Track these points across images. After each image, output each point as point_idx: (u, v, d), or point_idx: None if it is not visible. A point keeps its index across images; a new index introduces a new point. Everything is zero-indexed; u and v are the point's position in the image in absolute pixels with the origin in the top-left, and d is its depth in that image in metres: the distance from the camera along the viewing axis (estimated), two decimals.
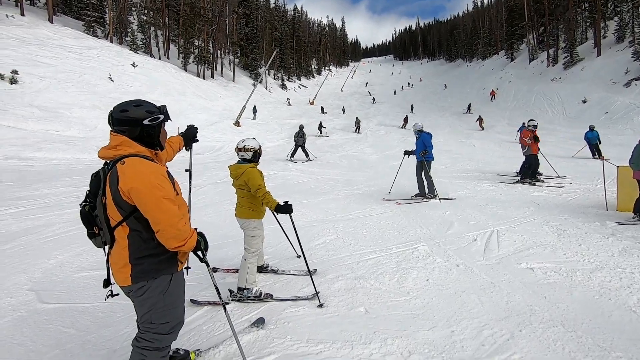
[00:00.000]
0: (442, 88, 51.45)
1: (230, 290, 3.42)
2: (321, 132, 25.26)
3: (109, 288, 1.89)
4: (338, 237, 5.16)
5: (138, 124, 1.77)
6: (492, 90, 37.63)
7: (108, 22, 32.57)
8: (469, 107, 34.17)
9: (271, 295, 3.38)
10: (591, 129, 14.18)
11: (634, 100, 22.60)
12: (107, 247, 1.87)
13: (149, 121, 1.79)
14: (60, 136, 14.61)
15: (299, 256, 4.36)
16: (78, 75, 20.97)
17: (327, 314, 3.07)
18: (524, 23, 45.93)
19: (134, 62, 26.90)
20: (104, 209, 1.74)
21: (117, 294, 1.92)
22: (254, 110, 30.15)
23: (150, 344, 1.84)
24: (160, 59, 35.59)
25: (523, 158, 9.16)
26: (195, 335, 2.79)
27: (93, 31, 30.39)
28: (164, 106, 1.92)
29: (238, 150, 3.42)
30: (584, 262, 3.99)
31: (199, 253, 1.97)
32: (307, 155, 15.20)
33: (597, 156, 13.36)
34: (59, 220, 5.75)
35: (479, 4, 76.77)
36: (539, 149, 9.10)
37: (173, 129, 1.95)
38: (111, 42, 30.82)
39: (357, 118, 27.81)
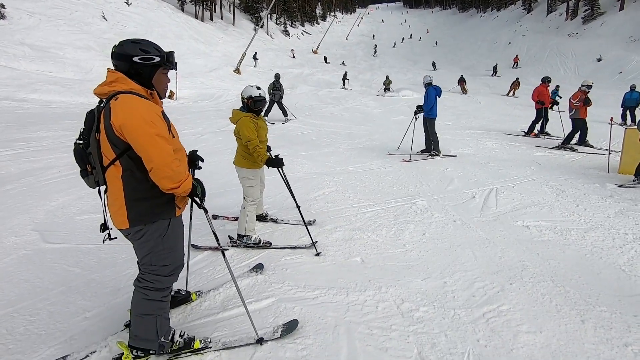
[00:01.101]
0: (454, 38, 49.12)
1: (230, 237, 3.50)
2: (345, 85, 23.91)
3: (107, 232, 1.91)
4: (337, 189, 5.18)
5: (128, 59, 1.70)
6: (516, 57, 32.86)
7: None
8: (495, 69, 29.53)
9: (270, 243, 3.45)
10: (632, 89, 12.04)
11: None
12: (102, 189, 1.86)
13: (139, 59, 1.70)
14: (54, 78, 14.13)
15: (298, 206, 4.40)
16: (69, 12, 19.84)
17: (324, 263, 3.16)
18: None
19: (127, 0, 25.30)
20: (97, 146, 1.71)
21: (115, 237, 1.94)
22: (255, 58, 28.97)
23: (151, 284, 1.89)
24: None
25: (530, 116, 8.97)
26: (197, 278, 2.89)
27: None
28: (171, 52, 1.81)
29: (241, 97, 3.37)
30: (579, 221, 4.04)
31: (196, 199, 1.96)
32: (285, 113, 11.80)
33: (627, 122, 11.62)
34: (57, 164, 5.73)
35: None
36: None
37: (171, 74, 1.82)
38: None
39: (387, 77, 22.76)
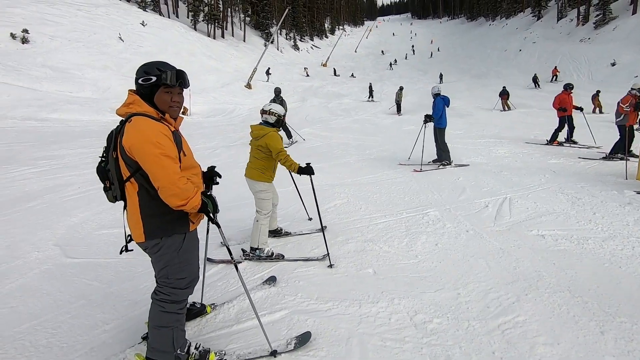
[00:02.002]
0: (446, 50, 49.19)
1: (243, 250, 3.56)
2: (372, 97, 23.12)
3: (125, 244, 1.99)
4: (349, 201, 5.20)
5: (136, 82, 1.82)
6: (554, 68, 27.97)
7: None
8: (536, 81, 25.48)
9: (282, 256, 3.50)
10: None
11: None
12: (122, 204, 1.95)
13: (142, 80, 1.79)
14: (74, 97, 14.70)
15: (310, 219, 4.44)
16: (88, 34, 20.70)
17: (336, 274, 3.17)
18: None
19: (143, 21, 26.30)
20: (115, 164, 1.80)
21: (132, 250, 2.01)
22: (268, 73, 29.51)
23: (168, 297, 1.95)
24: (169, 17, 34.64)
25: (542, 124, 8.84)
26: (211, 291, 2.94)
27: None
28: (180, 71, 1.84)
29: (263, 112, 3.54)
30: (596, 230, 3.95)
31: (208, 214, 2.00)
32: (289, 135, 10.19)
33: None
34: (78, 180, 5.93)
35: None
36: (638, 121, 7.33)
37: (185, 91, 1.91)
38: None
39: (400, 89, 19.09)
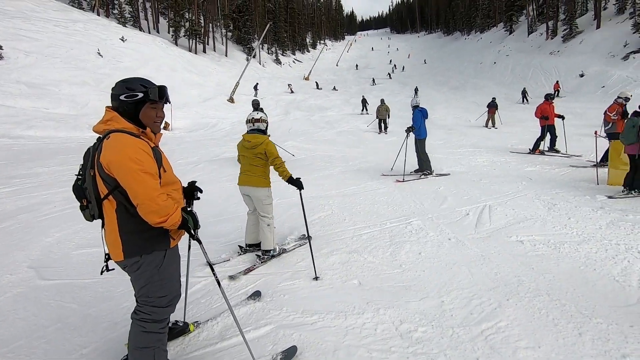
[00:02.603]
0: (422, 63, 50.74)
1: (257, 255, 3.74)
2: (366, 110, 22.51)
3: (105, 263, 1.94)
4: (333, 212, 5.22)
5: (115, 99, 1.80)
6: (556, 83, 25.76)
7: None
8: (525, 95, 24.20)
9: (284, 249, 3.88)
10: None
11: (631, 73, 22.47)
12: (100, 222, 1.90)
13: (124, 97, 1.78)
14: (50, 114, 14.33)
15: (309, 237, 4.34)
16: (65, 50, 20.34)
17: (321, 287, 3.16)
18: None
19: (122, 37, 26.07)
20: (93, 182, 1.77)
21: (113, 269, 1.96)
22: (255, 88, 29.47)
23: (149, 316, 1.90)
24: (149, 32, 34.50)
25: (517, 132, 9.14)
26: (194, 308, 2.87)
27: (78, 3, 29.26)
28: (162, 87, 1.86)
29: (254, 121, 3.66)
30: (572, 234, 4.09)
31: (189, 231, 1.98)
32: None
33: None
34: (54, 199, 5.75)
35: None
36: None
37: (166, 107, 1.91)
38: (98, 14, 29.76)
39: (382, 102, 16.73)
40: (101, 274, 1.96)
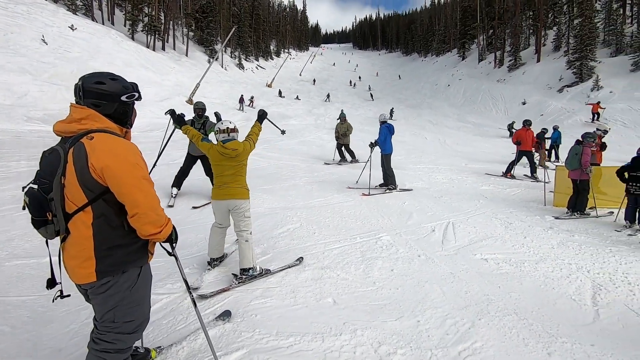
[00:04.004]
0: (397, 79, 53.08)
1: (234, 274, 3.41)
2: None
3: (57, 288, 1.65)
4: (302, 225, 5.09)
5: (116, 99, 1.59)
6: (597, 104, 20.93)
7: None
8: (511, 128, 20.88)
9: (269, 270, 3.55)
10: (555, 129, 14.09)
11: (565, 105, 25.00)
12: (50, 240, 1.63)
13: (126, 98, 1.61)
14: None
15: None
16: (2, 33, 18.35)
17: (295, 305, 3.02)
18: (475, 24, 48.30)
19: (72, 25, 24.12)
20: (61, 192, 1.50)
21: (69, 295, 1.69)
22: (241, 101, 26.76)
23: (112, 345, 1.64)
24: (103, 24, 32.32)
25: (469, 152, 9.57)
26: (155, 331, 2.59)
27: None
28: (135, 84, 1.73)
29: (230, 131, 3.50)
30: (529, 253, 4.33)
31: (167, 245, 1.80)
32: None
33: (552, 159, 12.97)
34: None
35: (435, 1, 79.04)
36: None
37: None
38: None
39: (341, 112, 12.98)
40: (53, 302, 1.68)
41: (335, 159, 11.40)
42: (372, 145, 7.84)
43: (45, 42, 20.30)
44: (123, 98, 1.61)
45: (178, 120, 4.68)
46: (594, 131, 8.34)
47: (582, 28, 27.40)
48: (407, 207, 6.27)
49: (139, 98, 1.74)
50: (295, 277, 3.49)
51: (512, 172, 9.65)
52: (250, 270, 3.40)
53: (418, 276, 3.64)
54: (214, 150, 3.45)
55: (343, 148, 11.27)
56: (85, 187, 1.49)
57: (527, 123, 9.80)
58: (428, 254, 4.22)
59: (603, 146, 8.11)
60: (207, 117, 6.68)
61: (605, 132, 8.30)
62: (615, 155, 10.70)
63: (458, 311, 3.00)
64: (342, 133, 11.20)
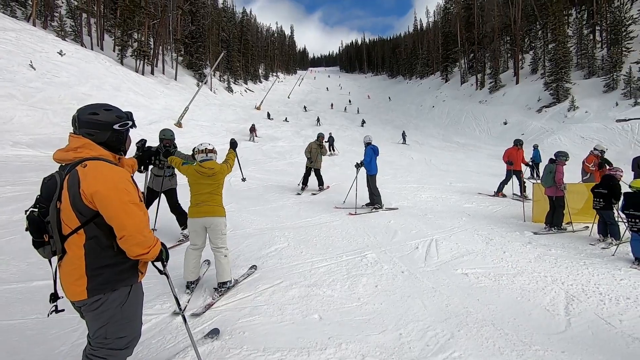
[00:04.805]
0: (384, 101, 54.50)
1: (215, 289, 3.59)
2: (333, 149, 20.81)
3: (54, 303, 1.76)
4: (289, 244, 5.21)
5: (108, 128, 1.74)
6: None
7: (31, 1, 29.12)
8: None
9: (236, 281, 3.83)
10: (535, 147, 14.78)
11: (544, 124, 26.04)
12: (56, 258, 1.75)
13: (119, 126, 1.75)
14: None
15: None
16: None
17: (282, 322, 3.11)
18: (456, 48, 50.46)
19: (61, 50, 24.34)
20: (57, 215, 1.64)
21: (63, 310, 1.79)
22: (252, 130, 25.69)
23: None
24: (92, 49, 32.67)
25: (455, 171, 9.85)
26: (144, 350, 2.65)
27: (11, 11, 27.01)
28: (130, 113, 1.89)
29: (208, 151, 3.70)
30: (507, 267, 4.52)
31: (158, 264, 1.94)
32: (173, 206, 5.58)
33: (533, 177, 13.25)
34: None
35: (418, 27, 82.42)
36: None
37: None
38: (34, 25, 27.61)
39: (318, 136, 10.64)
40: (48, 316, 1.77)
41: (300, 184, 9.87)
42: (357, 166, 8.10)
43: (33, 68, 20.41)
44: (116, 127, 1.76)
45: (148, 154, 3.86)
46: (592, 151, 8.28)
47: (556, 52, 28.91)
48: (392, 225, 6.45)
49: (133, 126, 1.89)
50: (282, 295, 3.59)
51: (502, 191, 9.73)
52: (227, 283, 3.60)
53: (401, 291, 3.77)
54: (192, 170, 3.65)
55: (313, 173, 9.92)
56: (77, 211, 1.62)
57: (518, 143, 9.95)
58: (411, 270, 4.37)
59: (602, 165, 7.86)
60: (175, 147, 5.52)
61: (603, 152, 8.21)
62: None
63: (439, 323, 3.13)
64: (314, 155, 9.79)
